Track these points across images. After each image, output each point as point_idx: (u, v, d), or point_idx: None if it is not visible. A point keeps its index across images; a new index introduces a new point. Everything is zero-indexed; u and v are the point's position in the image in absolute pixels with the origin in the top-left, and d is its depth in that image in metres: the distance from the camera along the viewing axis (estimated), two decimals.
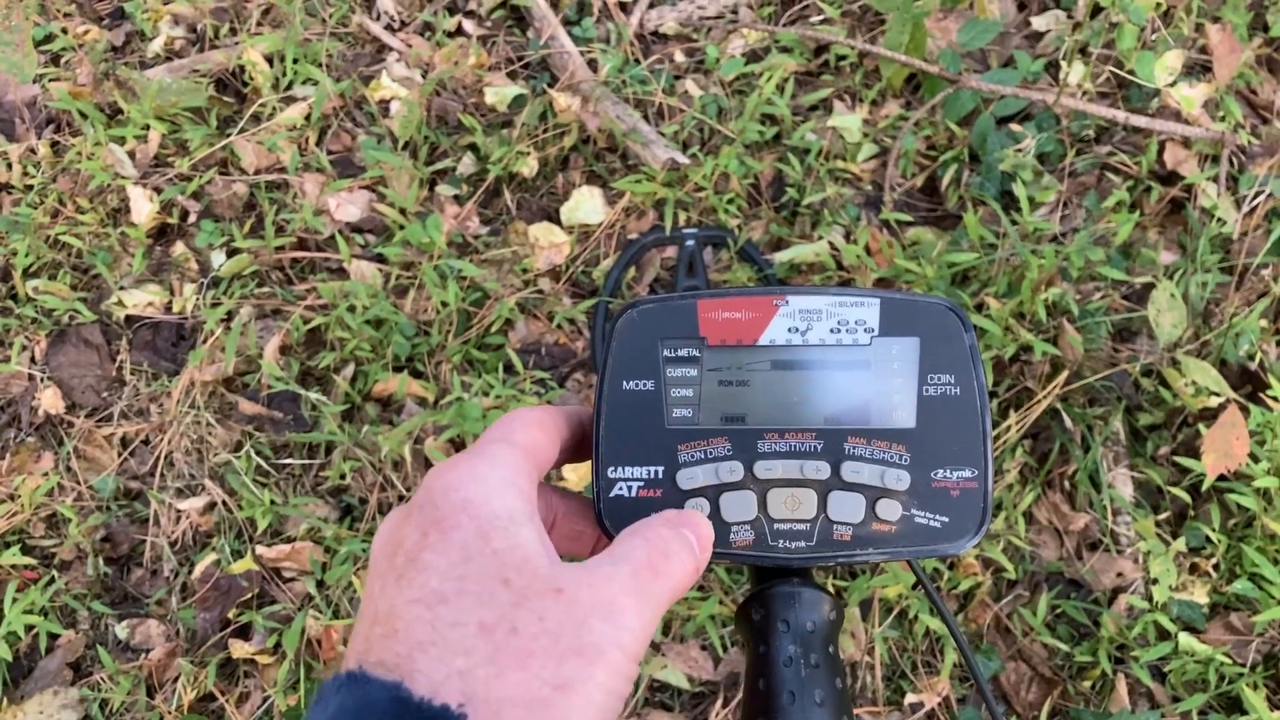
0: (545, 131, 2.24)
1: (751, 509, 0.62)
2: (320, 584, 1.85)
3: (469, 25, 2.50)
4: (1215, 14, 2.26)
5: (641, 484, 0.63)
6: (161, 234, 2.25)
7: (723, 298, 0.65)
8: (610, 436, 0.64)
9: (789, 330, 0.64)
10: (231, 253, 2.17)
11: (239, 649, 1.80)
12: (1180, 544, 1.71)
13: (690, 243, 2.12)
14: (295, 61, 2.34)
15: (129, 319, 2.14)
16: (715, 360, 0.65)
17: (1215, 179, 2.02)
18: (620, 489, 0.63)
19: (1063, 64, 2.13)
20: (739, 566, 1.78)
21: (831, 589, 1.75)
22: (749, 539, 0.62)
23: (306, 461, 1.98)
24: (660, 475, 0.63)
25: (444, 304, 2.03)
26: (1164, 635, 1.70)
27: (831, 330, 0.64)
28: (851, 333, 0.64)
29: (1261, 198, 1.98)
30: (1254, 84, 2.21)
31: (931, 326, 0.64)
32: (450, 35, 2.49)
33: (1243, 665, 1.65)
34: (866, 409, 0.64)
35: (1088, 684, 1.69)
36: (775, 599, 0.63)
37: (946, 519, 0.62)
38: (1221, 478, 1.71)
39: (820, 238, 2.09)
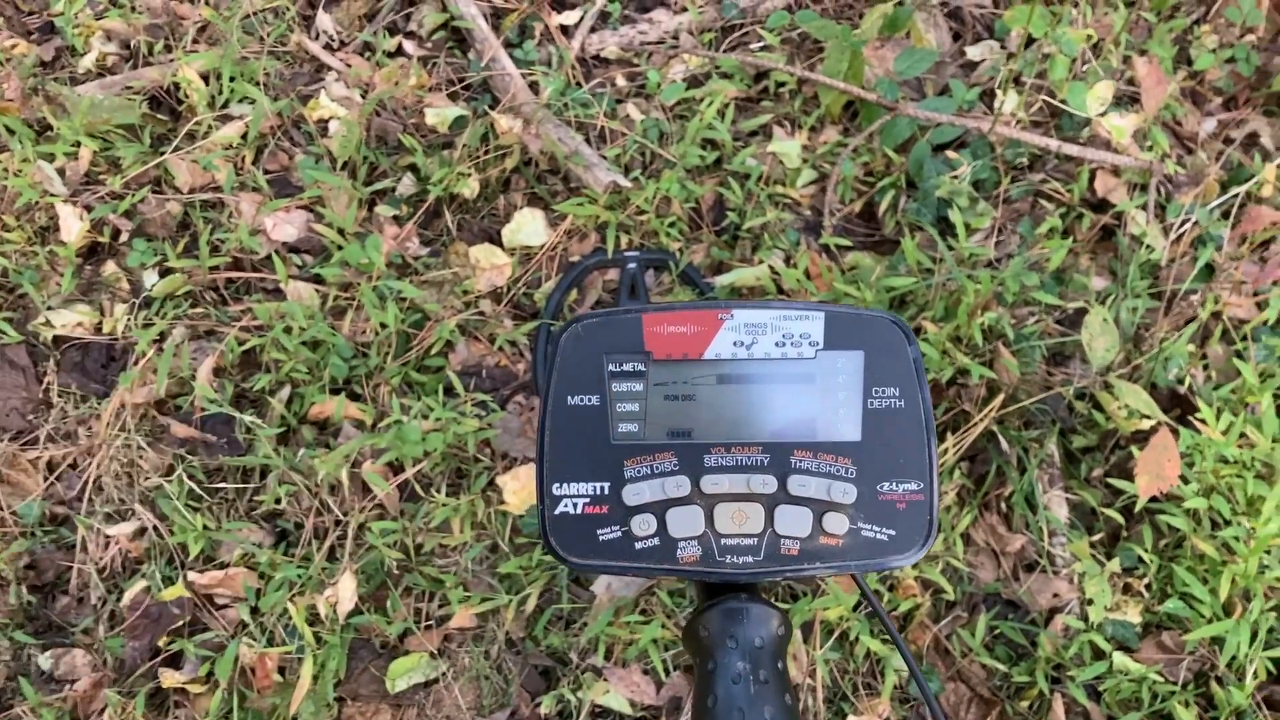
0: (487, 153, 2.23)
1: (699, 524, 0.62)
2: (254, 611, 1.81)
3: (409, 46, 2.49)
4: (1142, 47, 2.32)
5: (587, 500, 0.63)
6: (92, 253, 2.20)
7: (668, 312, 0.65)
8: (555, 453, 0.64)
9: (734, 344, 0.65)
10: (164, 272, 2.13)
11: (169, 678, 1.75)
12: (1115, 565, 1.74)
13: (632, 265, 2.12)
14: (232, 80, 2.31)
15: (57, 340, 2.08)
16: (661, 375, 0.65)
17: (1144, 207, 2.07)
18: (566, 505, 0.63)
19: (999, 93, 2.18)
20: (682, 587, 1.77)
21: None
22: (696, 555, 0.62)
23: (240, 486, 1.94)
24: (606, 491, 0.63)
25: (383, 325, 2.00)
26: (1099, 655, 1.72)
27: (777, 344, 0.65)
28: (796, 346, 0.65)
29: (1188, 226, 2.04)
30: (1179, 116, 2.28)
31: (876, 340, 0.65)
32: (390, 55, 2.47)
33: (1174, 684, 1.68)
34: (812, 422, 0.64)
35: (1025, 704, 1.71)
36: (723, 615, 0.63)
37: (893, 532, 0.62)
38: (1153, 499, 1.75)
39: (761, 261, 2.10)
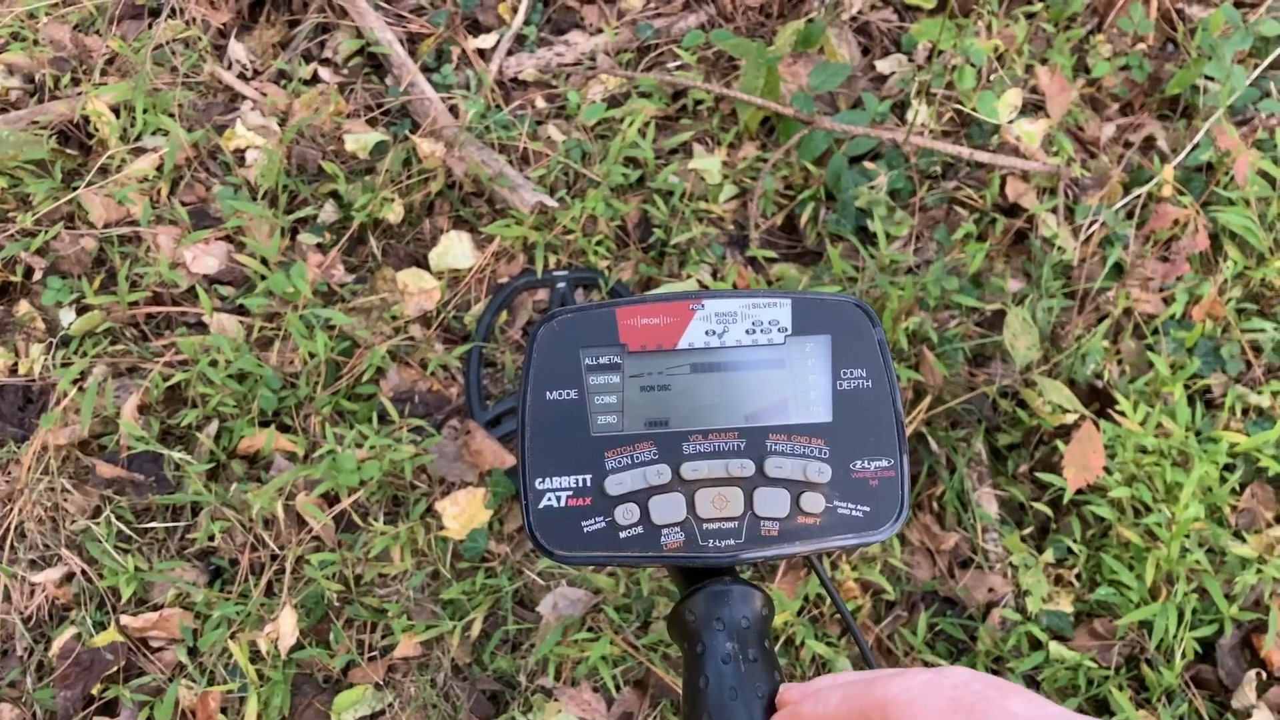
0: (409, 177, 2.23)
1: (680, 510, 0.64)
2: (192, 651, 1.77)
3: (325, 73, 2.47)
4: (1043, 56, 2.41)
5: (570, 493, 0.64)
6: (3, 292, 2.13)
7: (640, 304, 0.67)
8: (536, 448, 0.65)
9: (707, 333, 0.67)
10: (82, 310, 2.08)
11: None
12: (1048, 556, 1.79)
13: (561, 285, 2.13)
14: (145, 111, 2.26)
15: None
16: (636, 366, 0.66)
17: (1054, 210, 2.14)
18: (549, 499, 0.64)
19: (915, 102, 2.24)
20: (629, 602, 1.78)
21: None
22: (680, 541, 0.64)
23: (171, 524, 1.89)
24: (589, 483, 0.64)
25: (312, 354, 1.98)
26: (1036, 645, 1.77)
27: (747, 331, 0.67)
28: (766, 333, 0.67)
29: (1096, 226, 2.12)
30: (1081, 121, 2.36)
31: (842, 323, 0.67)
32: (306, 83, 2.45)
33: (1108, 668, 1.74)
34: (785, 406, 0.66)
35: None
36: (708, 598, 0.64)
37: (868, 508, 0.64)
38: (1079, 491, 1.80)
39: (689, 276, 2.12)
